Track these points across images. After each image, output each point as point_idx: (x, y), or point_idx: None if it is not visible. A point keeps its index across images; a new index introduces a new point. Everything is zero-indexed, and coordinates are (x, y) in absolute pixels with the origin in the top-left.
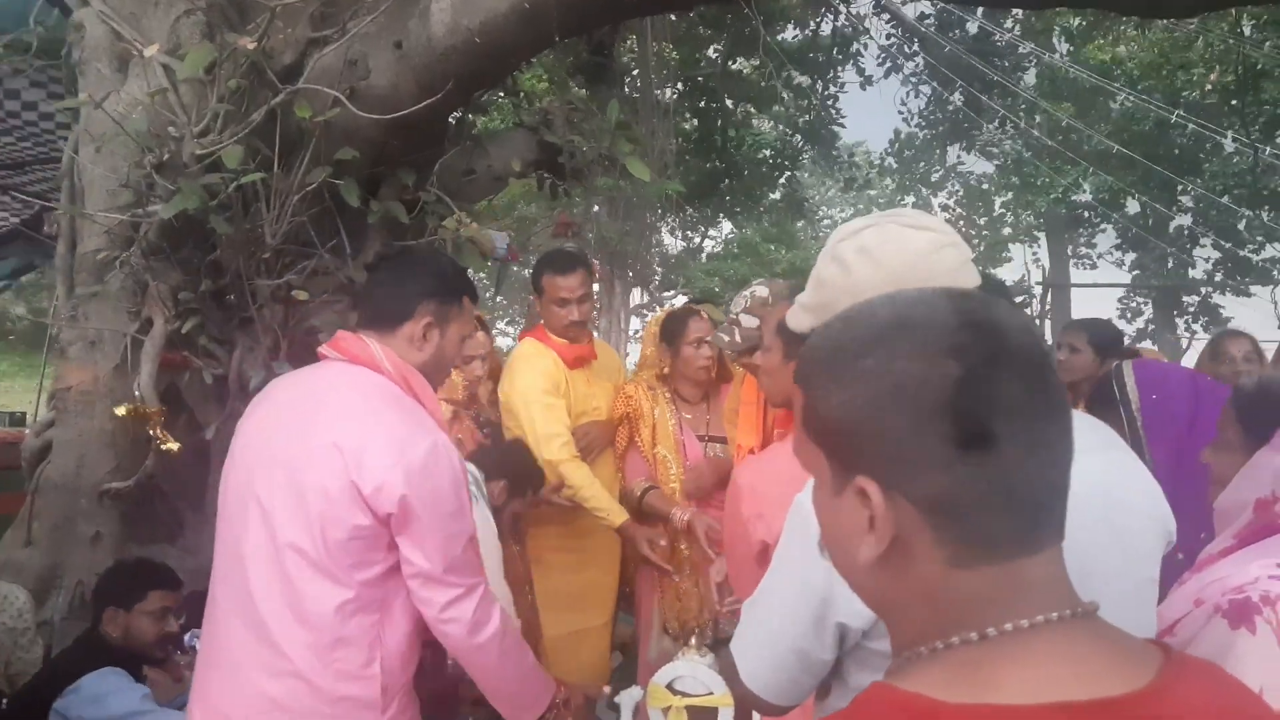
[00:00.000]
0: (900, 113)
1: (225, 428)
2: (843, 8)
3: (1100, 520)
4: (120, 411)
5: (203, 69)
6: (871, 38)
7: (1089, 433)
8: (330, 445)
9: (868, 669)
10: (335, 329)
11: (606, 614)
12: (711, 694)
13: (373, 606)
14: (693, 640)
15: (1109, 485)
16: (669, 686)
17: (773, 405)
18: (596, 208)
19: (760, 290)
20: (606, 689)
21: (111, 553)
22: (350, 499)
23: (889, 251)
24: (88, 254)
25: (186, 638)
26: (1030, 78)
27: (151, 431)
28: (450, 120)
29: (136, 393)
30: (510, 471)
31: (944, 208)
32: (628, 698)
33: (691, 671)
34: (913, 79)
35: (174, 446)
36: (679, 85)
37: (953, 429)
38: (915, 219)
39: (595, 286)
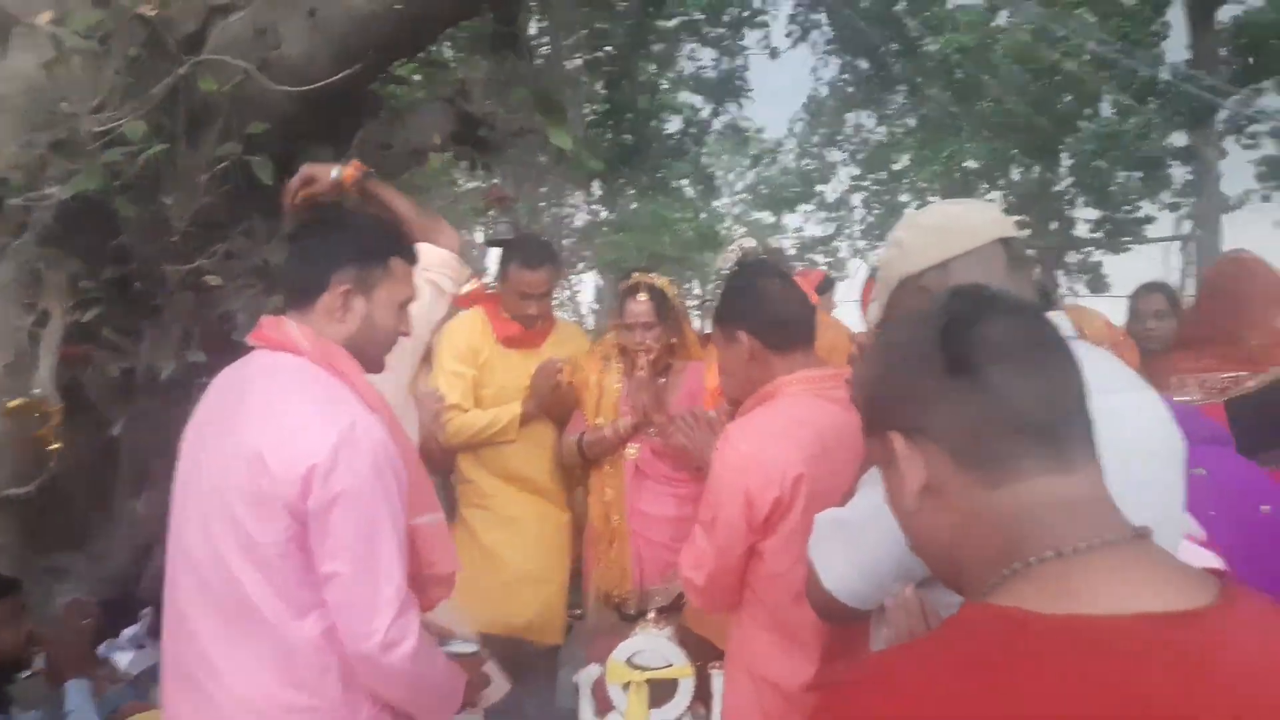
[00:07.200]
0: (814, 72)
1: (134, 423)
2: None
3: (1109, 466)
4: (11, 405)
5: (96, 38)
6: (775, 8)
7: (1106, 376)
8: (244, 449)
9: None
10: (252, 314)
11: (521, 568)
12: (671, 666)
13: (323, 610)
14: (650, 614)
15: (1115, 430)
16: (628, 661)
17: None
18: (497, 180)
19: (746, 243)
20: None
21: (12, 566)
22: (271, 505)
23: (931, 217)
24: None
25: (103, 649)
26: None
27: (45, 432)
28: (369, 91)
29: (36, 390)
30: None
31: (849, 173)
32: (585, 676)
33: (651, 645)
34: (822, 47)
35: (55, 446)
36: (592, 53)
37: (942, 362)
38: (949, 202)
39: None
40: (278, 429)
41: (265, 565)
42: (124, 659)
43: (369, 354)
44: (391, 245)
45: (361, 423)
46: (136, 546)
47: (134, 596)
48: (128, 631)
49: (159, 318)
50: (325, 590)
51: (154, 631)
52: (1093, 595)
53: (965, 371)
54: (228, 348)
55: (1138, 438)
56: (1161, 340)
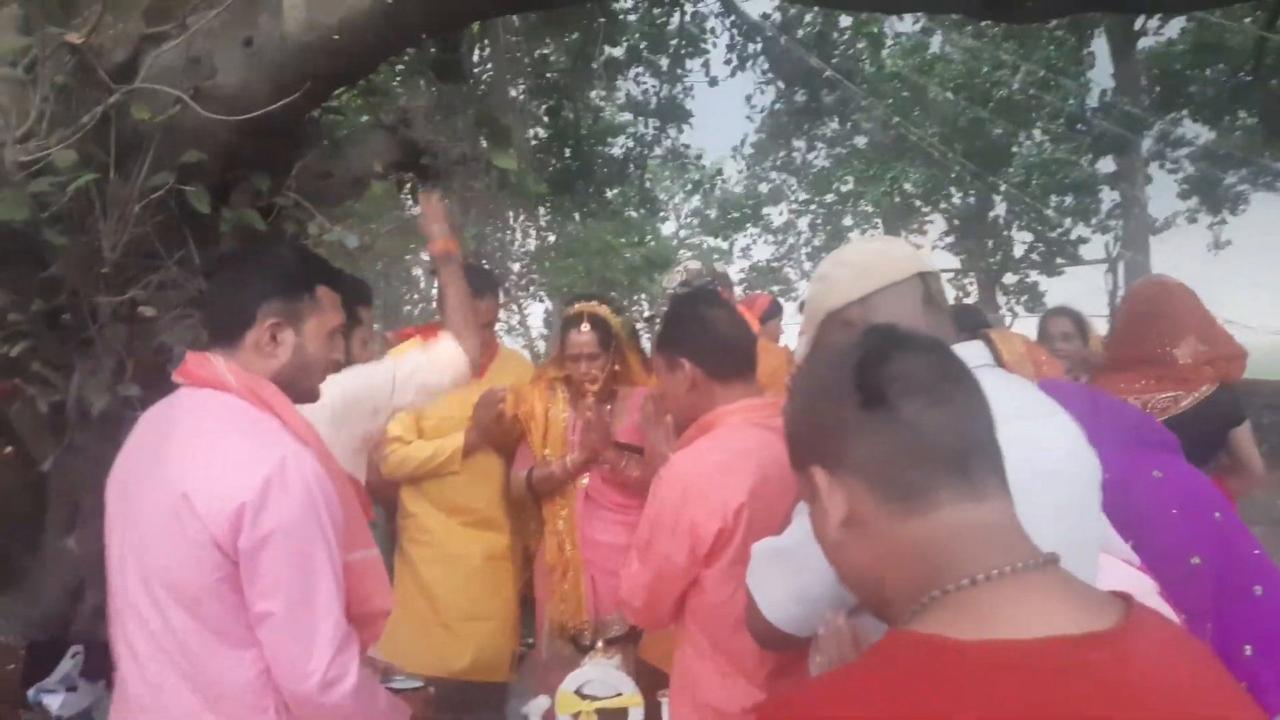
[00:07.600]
0: (753, 98)
1: (64, 460)
2: (689, 6)
3: (1022, 492)
4: None
5: (21, 65)
6: (715, 36)
7: (1019, 403)
8: (170, 491)
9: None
10: (187, 346)
11: (462, 607)
12: (620, 695)
13: (258, 650)
14: (599, 644)
15: (1027, 456)
16: (578, 692)
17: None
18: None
19: (692, 264)
20: None
21: None
22: (199, 546)
23: (854, 254)
24: None
25: (32, 692)
26: (863, 75)
27: None
28: (309, 119)
29: None
30: None
31: (792, 199)
32: (535, 707)
33: (600, 675)
34: (760, 77)
35: None
36: (535, 79)
37: (857, 398)
38: (872, 238)
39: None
40: (204, 468)
41: (196, 606)
42: (55, 701)
43: (302, 386)
44: (317, 274)
45: (292, 458)
46: (69, 585)
47: (67, 637)
48: (58, 672)
49: (91, 350)
50: (259, 630)
51: (86, 672)
52: (1005, 620)
53: (879, 406)
54: (163, 380)
55: (1051, 462)
56: (1068, 360)
